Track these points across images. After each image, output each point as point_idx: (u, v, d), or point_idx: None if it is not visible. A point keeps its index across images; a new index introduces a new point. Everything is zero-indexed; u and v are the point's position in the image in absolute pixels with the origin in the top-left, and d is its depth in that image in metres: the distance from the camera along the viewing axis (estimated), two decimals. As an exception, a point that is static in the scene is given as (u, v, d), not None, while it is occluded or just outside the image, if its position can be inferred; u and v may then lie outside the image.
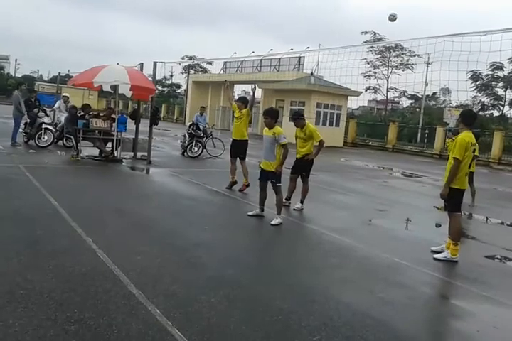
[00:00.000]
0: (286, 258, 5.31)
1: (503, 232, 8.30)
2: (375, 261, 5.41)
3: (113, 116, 12.26)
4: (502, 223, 8.88)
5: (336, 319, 3.67)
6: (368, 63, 41.66)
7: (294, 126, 8.07)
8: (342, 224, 7.23)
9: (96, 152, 12.23)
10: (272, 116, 6.91)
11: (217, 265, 4.73)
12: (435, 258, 5.61)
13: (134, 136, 12.71)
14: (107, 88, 11.75)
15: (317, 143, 7.96)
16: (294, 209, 7.76)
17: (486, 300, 4.49)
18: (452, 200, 5.73)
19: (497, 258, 6.14)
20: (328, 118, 28.13)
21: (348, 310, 3.88)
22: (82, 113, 12.17)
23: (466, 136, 5.64)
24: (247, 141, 9.22)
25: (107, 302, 3.57)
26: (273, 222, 6.61)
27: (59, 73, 23.11)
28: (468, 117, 5.93)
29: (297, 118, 8.01)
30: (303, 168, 7.99)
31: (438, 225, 7.76)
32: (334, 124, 28.43)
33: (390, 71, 42.72)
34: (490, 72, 33.37)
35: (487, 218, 9.02)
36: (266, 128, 7.05)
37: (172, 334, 3.17)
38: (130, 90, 11.34)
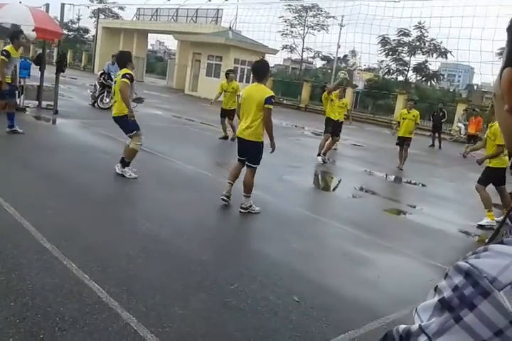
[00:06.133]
0: (204, 213, 5.38)
1: (401, 189, 9.04)
2: (288, 215, 5.66)
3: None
4: (398, 179, 9.65)
5: (252, 269, 3.84)
6: (286, 21, 41.59)
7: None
8: (257, 180, 7.40)
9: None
10: None
11: (133, 219, 4.68)
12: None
13: (38, 83, 11.77)
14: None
15: None
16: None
17: (388, 249, 4.94)
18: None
19: (395, 212, 6.73)
20: (245, 75, 27.90)
21: (264, 260, 4.08)
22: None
23: None
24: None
25: (18, 257, 3.43)
26: None
27: None
28: None
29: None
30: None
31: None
32: (251, 81, 28.34)
33: (306, 31, 43.04)
34: (397, 38, 34.68)
35: (386, 175, 9.73)
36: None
37: (90, 287, 3.13)
38: (33, 31, 10.34)
